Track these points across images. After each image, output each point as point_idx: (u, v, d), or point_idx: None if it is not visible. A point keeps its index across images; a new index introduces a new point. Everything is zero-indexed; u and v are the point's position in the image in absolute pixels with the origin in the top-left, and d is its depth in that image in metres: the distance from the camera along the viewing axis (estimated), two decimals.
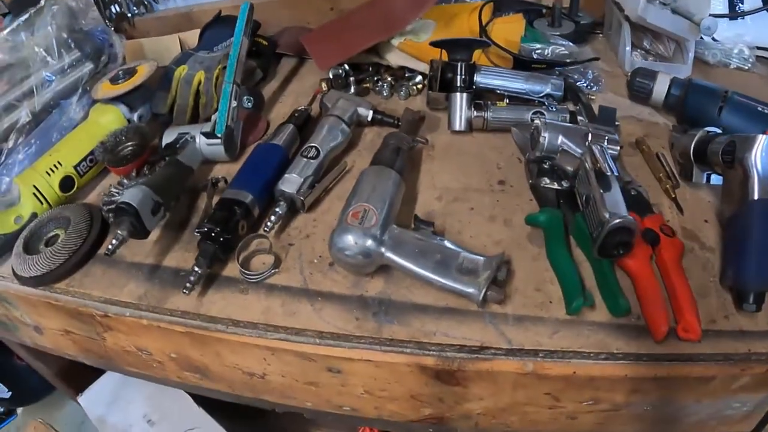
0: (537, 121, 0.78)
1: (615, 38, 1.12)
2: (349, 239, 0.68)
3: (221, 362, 0.75)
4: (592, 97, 0.99)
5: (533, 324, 0.65)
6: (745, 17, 1.06)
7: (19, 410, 1.91)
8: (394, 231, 0.71)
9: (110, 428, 1.20)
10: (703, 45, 1.08)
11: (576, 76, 1.01)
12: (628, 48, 1.05)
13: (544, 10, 1.18)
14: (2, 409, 1.90)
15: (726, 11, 1.06)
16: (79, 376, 1.27)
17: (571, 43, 1.05)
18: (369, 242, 0.68)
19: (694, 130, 0.80)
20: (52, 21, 0.91)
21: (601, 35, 1.20)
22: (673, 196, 0.79)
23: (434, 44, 0.93)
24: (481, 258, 0.68)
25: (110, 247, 0.71)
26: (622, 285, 0.67)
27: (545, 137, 0.76)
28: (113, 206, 0.77)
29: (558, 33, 1.09)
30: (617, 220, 0.63)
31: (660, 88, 0.93)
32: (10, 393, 1.76)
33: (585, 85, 1.01)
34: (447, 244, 0.70)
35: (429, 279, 0.67)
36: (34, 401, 1.88)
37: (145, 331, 0.75)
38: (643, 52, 1.08)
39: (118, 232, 0.72)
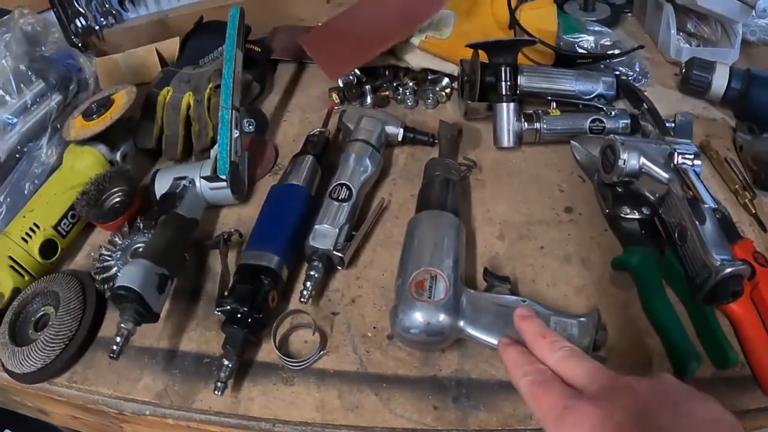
0: (614, 140, 0.65)
1: (650, 20, 1.00)
2: (418, 318, 0.55)
3: None
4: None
5: None
6: None
7: None
8: (469, 296, 0.58)
9: None
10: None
11: (622, 69, 0.89)
12: (674, 32, 0.93)
13: None
14: None
15: None
16: None
17: (611, 31, 0.93)
18: (442, 317, 0.55)
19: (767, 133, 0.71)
20: (6, 52, 0.73)
21: (630, 15, 1.08)
22: (754, 211, 0.70)
23: (472, 46, 0.79)
24: (575, 321, 0.56)
25: (115, 348, 0.56)
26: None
27: (624, 160, 0.64)
28: (109, 284, 0.64)
29: (593, 18, 0.96)
30: (730, 269, 0.52)
31: (719, 82, 0.83)
32: None
33: (633, 78, 0.89)
34: (530, 305, 0.58)
35: None
36: None
37: (173, 430, 0.62)
38: (685, 35, 0.97)
39: (122, 325, 0.57)
